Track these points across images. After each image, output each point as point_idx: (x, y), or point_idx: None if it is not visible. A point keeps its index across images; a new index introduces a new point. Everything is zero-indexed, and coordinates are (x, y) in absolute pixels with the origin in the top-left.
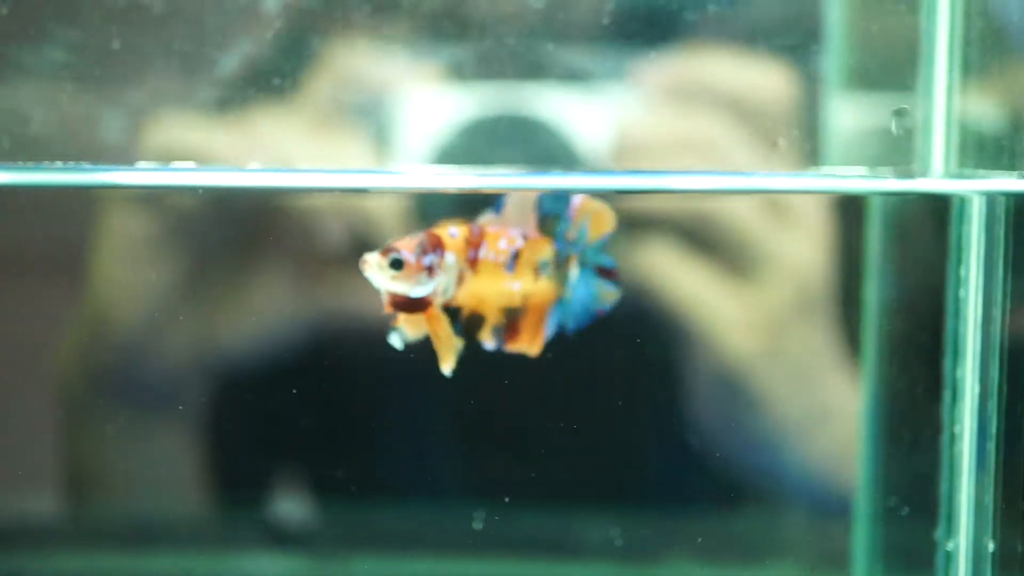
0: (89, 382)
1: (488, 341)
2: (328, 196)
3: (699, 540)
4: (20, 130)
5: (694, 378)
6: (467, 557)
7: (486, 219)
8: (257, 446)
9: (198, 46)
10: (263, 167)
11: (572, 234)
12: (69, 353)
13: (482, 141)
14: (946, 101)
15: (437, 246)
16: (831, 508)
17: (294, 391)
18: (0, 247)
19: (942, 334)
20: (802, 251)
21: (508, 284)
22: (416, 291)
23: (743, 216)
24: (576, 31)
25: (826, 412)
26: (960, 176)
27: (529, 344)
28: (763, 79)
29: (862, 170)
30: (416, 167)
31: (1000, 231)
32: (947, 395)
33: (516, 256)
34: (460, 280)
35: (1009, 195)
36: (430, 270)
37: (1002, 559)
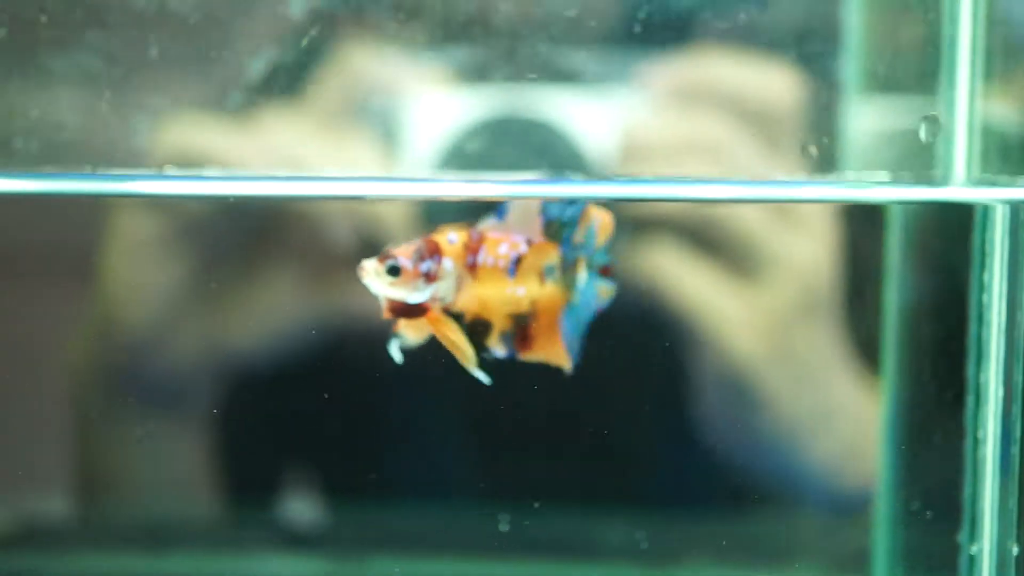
0: (100, 383)
1: (497, 348)
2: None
3: (707, 541)
4: (34, 134)
5: (698, 379)
6: (472, 558)
7: (488, 224)
8: (270, 447)
9: (209, 49)
10: (273, 170)
11: (579, 238)
12: (80, 354)
13: (489, 143)
14: (968, 106)
15: (435, 252)
16: (839, 509)
17: (305, 392)
18: (11, 250)
19: (964, 338)
20: (806, 252)
21: (511, 289)
22: (414, 297)
23: (747, 218)
24: (586, 33)
25: (833, 414)
26: (983, 182)
27: (546, 352)
28: (771, 82)
29: (883, 176)
30: (425, 175)
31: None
32: (970, 399)
33: (518, 261)
34: (460, 286)
35: None
36: (427, 276)
37: None
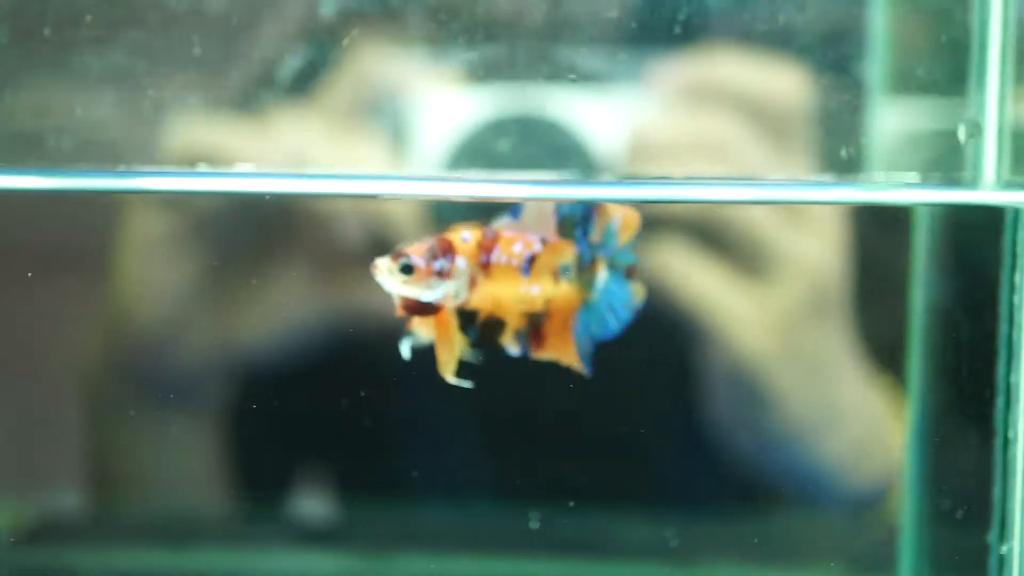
0: (116, 380)
1: (511, 346)
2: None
3: (728, 540)
4: (43, 132)
5: (708, 378)
6: (478, 556)
7: (503, 223)
8: (288, 444)
9: (224, 49)
10: (283, 168)
11: (596, 237)
12: (96, 351)
13: (499, 142)
14: (998, 108)
15: (448, 250)
16: (852, 507)
17: (322, 388)
18: (27, 247)
19: (994, 339)
20: (815, 251)
21: (525, 288)
22: (427, 295)
23: (757, 217)
24: (596, 32)
25: (845, 412)
26: (1012, 184)
27: (558, 351)
28: (780, 81)
29: (912, 178)
30: (437, 173)
31: None
32: (1000, 400)
33: (532, 260)
34: (473, 284)
35: None
36: (441, 274)
37: None
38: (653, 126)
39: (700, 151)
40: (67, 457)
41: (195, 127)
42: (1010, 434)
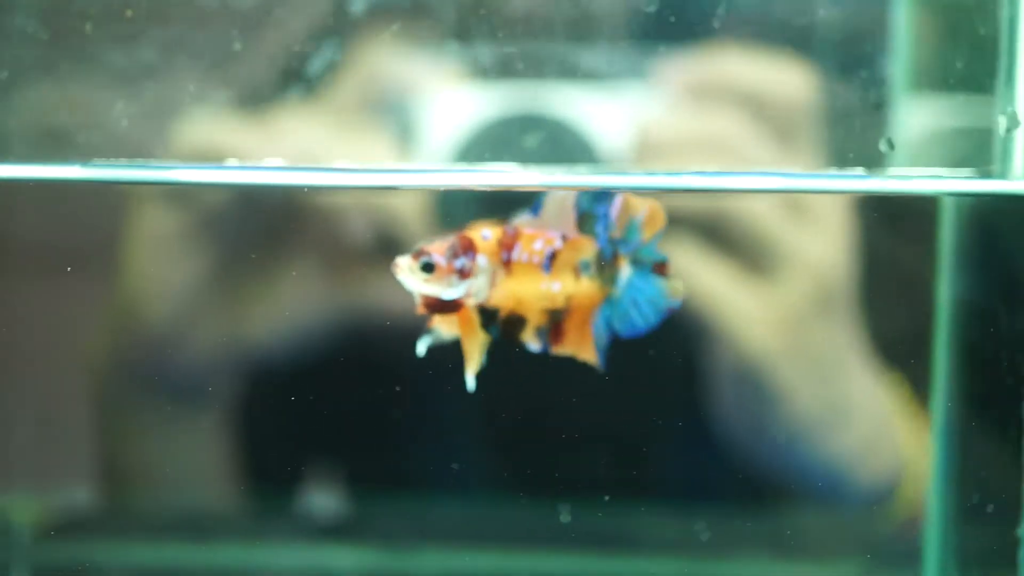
0: (127, 375)
1: (532, 343)
2: (356, 193)
3: (725, 535)
4: (53, 129)
5: (715, 375)
6: (481, 550)
7: (523, 220)
8: (305, 440)
9: (230, 47)
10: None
11: (618, 233)
12: (105, 347)
13: (504, 140)
14: None
15: (468, 248)
16: (859, 504)
17: (336, 384)
18: (35, 242)
19: (1021, 332)
20: (822, 248)
21: (546, 285)
22: (448, 293)
23: (762, 214)
24: (608, 30)
25: (852, 409)
26: None
27: (577, 346)
28: (786, 79)
29: (941, 171)
30: (448, 165)
31: None
32: None
33: (553, 257)
34: (494, 282)
35: None
36: (461, 272)
37: None
38: (660, 124)
39: (706, 150)
40: (87, 453)
41: (202, 126)
42: None
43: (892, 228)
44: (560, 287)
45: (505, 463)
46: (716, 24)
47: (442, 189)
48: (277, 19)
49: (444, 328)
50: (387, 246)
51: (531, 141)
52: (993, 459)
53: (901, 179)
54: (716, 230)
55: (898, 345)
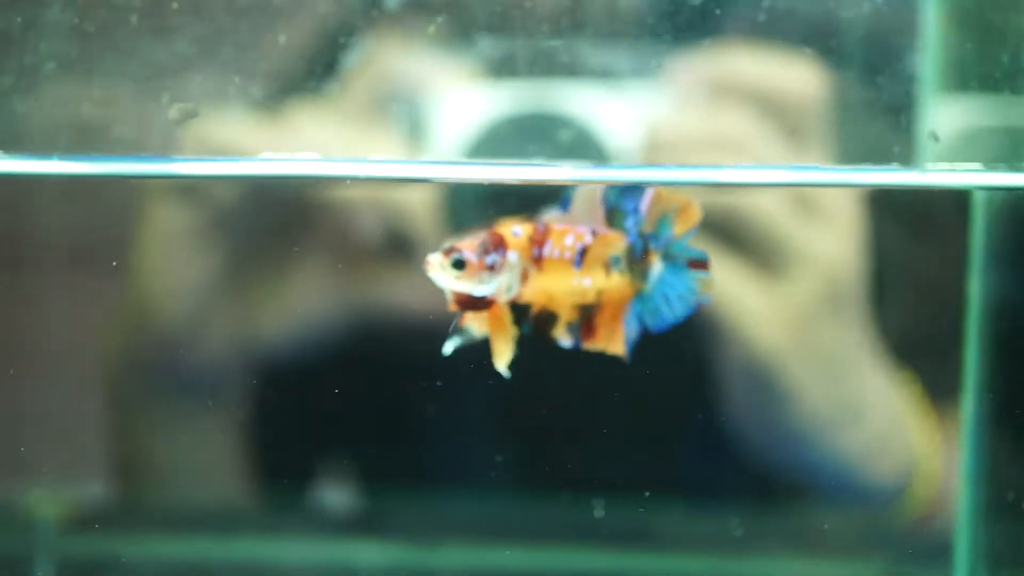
0: (142, 371)
1: (564, 339)
2: (369, 189)
3: (736, 532)
4: (63, 125)
5: (726, 373)
6: (487, 546)
7: (552, 216)
8: (326, 435)
9: (240, 44)
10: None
11: (648, 228)
12: (118, 343)
13: (514, 138)
14: None
15: (499, 245)
16: (871, 502)
17: (347, 381)
18: (46, 238)
19: None
20: (833, 246)
21: (577, 280)
22: (479, 290)
23: (773, 212)
24: (619, 28)
25: (864, 407)
26: None
27: (608, 341)
28: (797, 78)
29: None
30: (473, 160)
31: None
32: None
33: (584, 252)
34: (525, 278)
35: None
36: (492, 269)
37: None
38: (670, 122)
39: (717, 148)
40: (110, 449)
41: (216, 124)
42: None
43: (921, 225)
44: (591, 282)
45: (513, 459)
46: (736, 22)
47: (452, 187)
48: (289, 18)
49: (476, 326)
50: (401, 243)
51: (542, 139)
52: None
53: (928, 173)
54: (727, 227)
55: (929, 342)
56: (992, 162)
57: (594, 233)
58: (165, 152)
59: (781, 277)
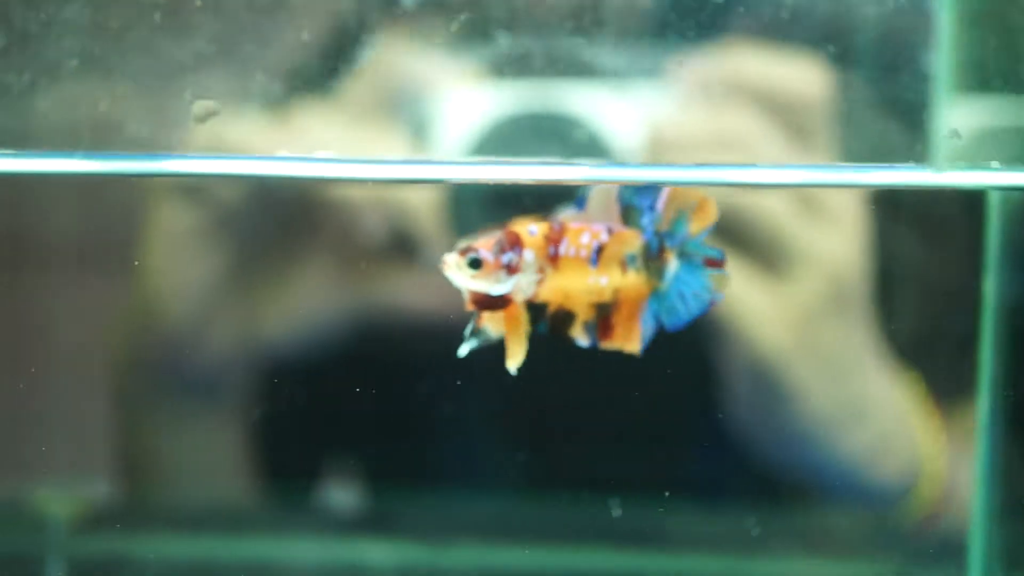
0: (150, 371)
1: (581, 338)
2: (374, 189)
3: (738, 534)
4: (73, 124)
5: (731, 375)
6: (486, 546)
7: (568, 215)
8: (337, 434)
9: (246, 43)
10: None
11: (664, 226)
12: (126, 343)
13: (518, 138)
14: None
15: (515, 244)
16: (875, 503)
17: (348, 380)
18: (54, 237)
19: None
20: (837, 246)
21: (593, 279)
22: (496, 289)
23: (776, 212)
24: (624, 27)
25: (868, 408)
26: None
27: (625, 340)
28: (802, 77)
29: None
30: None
31: None
32: None
33: (600, 250)
34: (541, 277)
35: None
36: (509, 268)
37: None
38: (674, 122)
39: (721, 148)
40: (121, 447)
41: (222, 124)
42: None
43: (935, 225)
44: (607, 281)
45: (514, 458)
46: (746, 21)
47: (458, 187)
48: (293, 19)
49: (492, 326)
50: (410, 243)
51: (545, 139)
52: None
53: (942, 173)
54: (731, 227)
55: (939, 343)
56: (1009, 162)
57: (610, 231)
58: (175, 150)
59: (786, 277)
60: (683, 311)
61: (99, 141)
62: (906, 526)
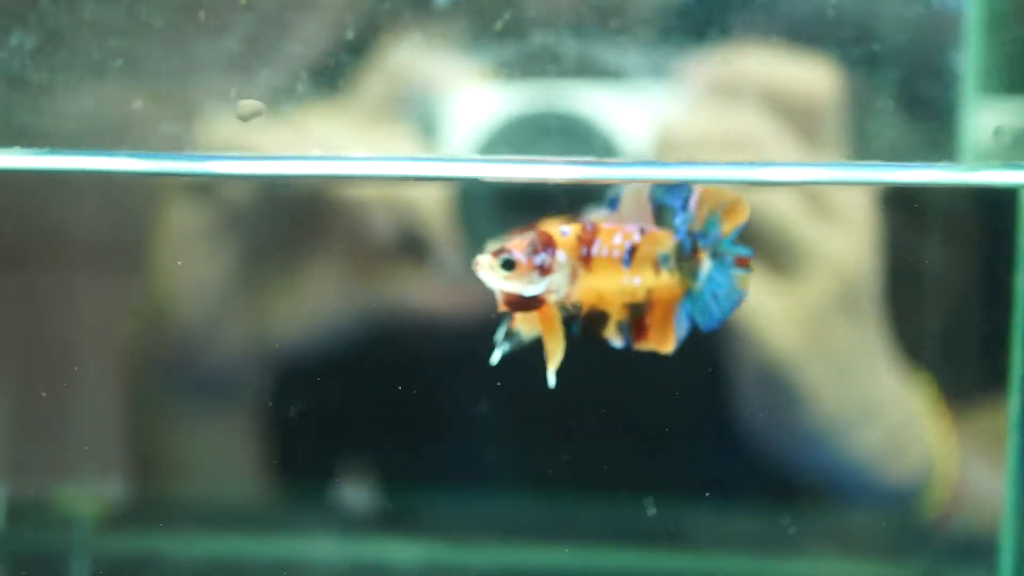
0: (164, 371)
1: (615, 339)
2: (385, 189)
3: (746, 534)
4: (76, 123)
5: (742, 376)
6: (491, 544)
7: (600, 215)
8: (356, 434)
9: (254, 45)
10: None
11: (697, 226)
12: (139, 343)
13: (527, 138)
14: None
15: (548, 244)
16: (887, 503)
17: (365, 379)
18: (63, 237)
19: None
20: (847, 246)
21: (626, 279)
22: (529, 290)
23: (786, 213)
24: (633, 28)
25: (879, 407)
26: None
27: (659, 341)
28: (811, 78)
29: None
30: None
31: None
32: None
33: (633, 251)
34: (574, 277)
35: None
36: (542, 269)
37: None
38: (681, 122)
39: (729, 148)
40: (143, 446)
41: (228, 125)
42: None
43: (964, 224)
44: (640, 281)
45: (514, 458)
46: (770, 22)
47: (465, 190)
48: (301, 19)
49: (525, 327)
50: (419, 243)
51: (553, 139)
52: None
53: (976, 171)
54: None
55: (972, 342)
56: None
57: (642, 231)
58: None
59: (796, 277)
60: (716, 311)
61: (125, 140)
62: (921, 526)
